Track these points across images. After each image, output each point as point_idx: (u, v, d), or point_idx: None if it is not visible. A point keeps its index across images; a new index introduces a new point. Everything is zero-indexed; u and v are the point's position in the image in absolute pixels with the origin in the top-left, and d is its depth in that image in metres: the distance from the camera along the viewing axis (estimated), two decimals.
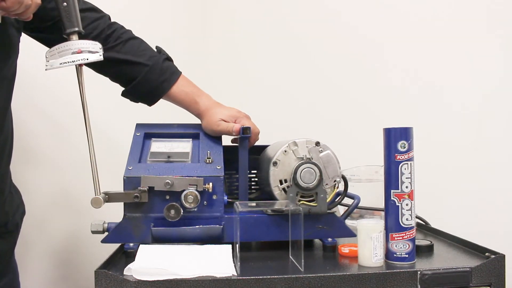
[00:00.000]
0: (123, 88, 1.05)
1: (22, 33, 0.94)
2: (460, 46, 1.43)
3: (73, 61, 0.85)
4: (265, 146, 1.05)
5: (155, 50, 1.05)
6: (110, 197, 0.86)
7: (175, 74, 1.04)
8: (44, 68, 0.85)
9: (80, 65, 0.87)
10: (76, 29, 0.86)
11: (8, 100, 0.92)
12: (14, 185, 1.03)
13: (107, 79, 1.05)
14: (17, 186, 1.04)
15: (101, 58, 0.87)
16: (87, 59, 0.86)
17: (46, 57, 0.85)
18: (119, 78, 1.04)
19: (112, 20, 1.04)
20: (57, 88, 1.32)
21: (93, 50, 0.86)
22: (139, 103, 1.08)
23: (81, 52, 0.86)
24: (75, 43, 0.86)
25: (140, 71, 1.01)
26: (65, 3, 0.85)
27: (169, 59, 1.06)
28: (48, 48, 1.00)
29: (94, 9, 1.00)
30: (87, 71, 1.02)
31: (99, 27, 0.98)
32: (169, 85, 1.03)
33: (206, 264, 0.77)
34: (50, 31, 0.95)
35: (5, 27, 0.86)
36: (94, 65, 1.01)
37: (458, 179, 1.41)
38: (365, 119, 1.53)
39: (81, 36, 0.88)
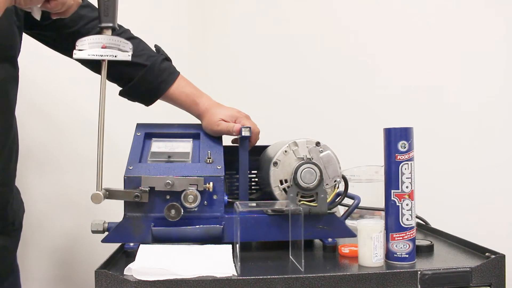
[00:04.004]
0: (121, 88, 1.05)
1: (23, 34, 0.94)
2: (460, 46, 1.43)
3: (101, 55, 0.84)
4: (266, 146, 1.05)
5: (154, 49, 1.05)
6: (110, 194, 0.86)
7: (173, 74, 1.04)
8: (72, 56, 0.84)
9: (104, 60, 0.85)
10: (111, 24, 0.85)
11: (16, 98, 0.93)
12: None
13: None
14: (18, 185, 1.04)
15: (129, 58, 0.86)
16: (115, 56, 0.85)
17: (76, 45, 0.84)
18: (116, 78, 1.04)
19: None
20: (56, 88, 1.32)
21: (123, 49, 0.86)
22: (139, 104, 1.08)
23: (111, 48, 0.84)
24: (107, 38, 0.85)
25: (138, 72, 1.01)
26: None
27: (167, 59, 1.05)
28: (46, 46, 1.01)
29: (91, 7, 0.99)
30: (85, 70, 1.03)
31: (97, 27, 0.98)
32: (167, 86, 1.03)
33: (206, 264, 0.77)
34: (50, 29, 0.95)
35: (11, 25, 0.86)
36: (91, 65, 1.01)
37: (458, 179, 1.41)
38: (365, 119, 1.53)
39: (114, 33, 0.87)
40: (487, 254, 0.81)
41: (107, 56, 0.84)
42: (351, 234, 0.91)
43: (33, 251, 1.26)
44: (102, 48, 0.84)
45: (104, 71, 0.86)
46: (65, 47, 0.99)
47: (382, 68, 1.53)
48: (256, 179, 1.12)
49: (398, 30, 1.51)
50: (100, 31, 0.85)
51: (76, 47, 0.84)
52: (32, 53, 1.03)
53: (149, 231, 0.87)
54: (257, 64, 1.70)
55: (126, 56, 0.86)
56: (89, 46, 0.84)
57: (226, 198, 0.90)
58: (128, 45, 0.86)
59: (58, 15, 0.79)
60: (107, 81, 1.04)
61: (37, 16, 0.79)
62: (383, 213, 0.85)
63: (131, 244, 0.87)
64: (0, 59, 0.86)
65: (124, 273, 0.75)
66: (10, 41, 0.87)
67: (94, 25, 0.97)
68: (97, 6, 0.85)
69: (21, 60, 0.93)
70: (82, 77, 1.09)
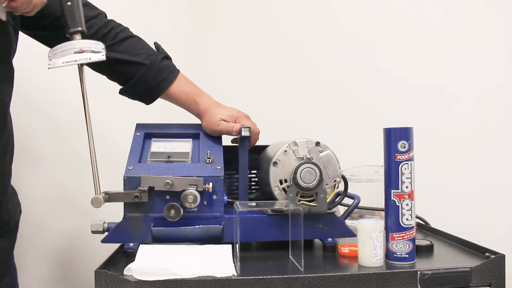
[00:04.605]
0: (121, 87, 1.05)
1: (19, 33, 0.93)
2: (460, 45, 1.43)
3: (75, 61, 0.85)
4: (265, 146, 1.05)
5: (153, 47, 1.05)
6: (110, 197, 0.86)
7: (173, 73, 1.04)
8: (47, 67, 0.85)
9: (82, 64, 0.87)
10: (79, 28, 0.86)
11: (10, 99, 0.92)
12: (11, 184, 1.03)
13: (106, 78, 1.05)
14: (15, 186, 1.04)
15: (104, 58, 0.87)
16: (90, 59, 0.86)
17: (48, 56, 0.85)
18: (116, 77, 1.04)
19: (112, 19, 1.03)
20: (55, 88, 1.32)
21: (96, 50, 0.86)
22: (139, 104, 1.08)
23: (83, 51, 0.85)
24: (78, 42, 0.86)
25: (137, 71, 1.01)
26: (69, 3, 0.85)
27: (167, 57, 1.05)
28: (46, 46, 1.00)
29: (89, 6, 0.99)
30: (86, 70, 1.03)
31: (95, 26, 0.97)
32: (166, 85, 1.03)
33: (206, 264, 0.77)
34: (48, 28, 0.95)
35: (5, 26, 0.85)
36: (91, 64, 1.01)
37: (458, 179, 1.41)
38: (365, 119, 1.53)
39: (84, 36, 0.88)
40: (487, 254, 0.81)
41: (81, 60, 0.85)
42: (351, 234, 0.91)
43: (32, 251, 1.25)
44: (75, 53, 0.85)
45: (82, 75, 0.87)
46: None
47: (382, 68, 1.53)
48: (256, 179, 1.12)
49: (398, 30, 1.51)
50: (70, 37, 0.86)
51: (49, 58, 0.85)
52: (30, 52, 1.03)
53: (149, 231, 0.87)
54: (257, 64, 1.70)
55: (100, 56, 0.87)
56: (62, 54, 0.85)
57: (225, 198, 0.90)
58: (100, 46, 0.87)
59: (22, 13, 0.79)
60: (107, 80, 1.05)
61: (2, 16, 0.79)
62: (383, 213, 0.85)
63: (131, 244, 0.87)
64: None
65: (124, 273, 0.75)
66: (4, 42, 0.87)
67: (92, 24, 0.97)
68: (66, 12, 0.86)
69: (19, 59, 0.93)
70: None
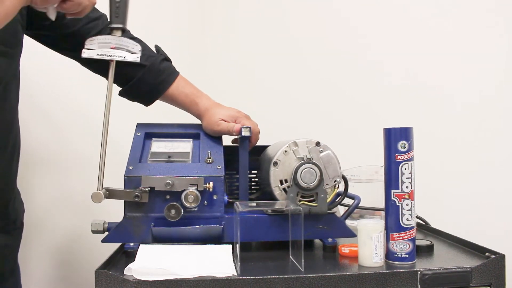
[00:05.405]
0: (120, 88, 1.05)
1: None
2: (460, 45, 1.43)
3: (110, 56, 0.85)
4: (266, 146, 1.05)
5: (154, 49, 1.05)
6: (110, 193, 0.86)
7: (173, 74, 1.04)
8: (81, 54, 0.85)
9: (111, 61, 0.86)
10: (121, 26, 0.86)
11: (17, 98, 0.93)
12: None
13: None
14: (18, 185, 1.04)
15: (138, 60, 0.87)
16: (124, 57, 0.86)
17: (85, 44, 0.85)
18: (116, 78, 1.03)
19: None
20: (57, 88, 1.32)
21: (132, 50, 0.86)
22: (139, 104, 1.08)
23: (120, 49, 0.85)
24: (117, 38, 0.86)
25: (137, 72, 1.01)
26: None
27: (167, 59, 1.05)
28: (46, 47, 1.01)
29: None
30: (85, 71, 1.03)
31: (97, 27, 0.97)
32: (166, 86, 1.03)
33: (206, 264, 0.77)
34: (49, 29, 0.95)
35: (16, 24, 0.86)
36: (90, 65, 1.01)
37: (458, 179, 1.41)
38: (366, 119, 1.53)
39: (124, 34, 0.88)
40: (487, 254, 0.81)
41: (115, 56, 0.85)
42: (351, 234, 0.91)
43: (33, 251, 1.26)
44: (111, 48, 0.85)
45: (111, 71, 0.86)
46: (65, 47, 0.99)
47: (382, 68, 1.53)
48: (256, 179, 1.12)
49: (398, 30, 1.51)
50: (110, 32, 0.86)
51: (85, 46, 0.85)
52: (34, 52, 1.03)
53: (149, 231, 0.87)
54: (257, 64, 1.70)
55: (135, 57, 0.87)
56: (99, 46, 0.84)
57: (226, 198, 0.90)
58: (137, 47, 0.87)
59: (73, 15, 0.80)
60: (107, 80, 1.05)
61: (52, 16, 0.79)
62: (383, 213, 0.85)
63: (131, 244, 0.87)
64: (3, 55, 0.86)
65: (124, 273, 0.75)
66: (14, 39, 0.87)
67: (94, 25, 0.97)
68: (112, 7, 0.86)
69: (23, 59, 0.93)
70: (83, 76, 1.09)
